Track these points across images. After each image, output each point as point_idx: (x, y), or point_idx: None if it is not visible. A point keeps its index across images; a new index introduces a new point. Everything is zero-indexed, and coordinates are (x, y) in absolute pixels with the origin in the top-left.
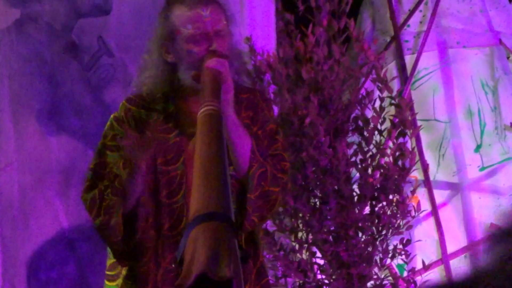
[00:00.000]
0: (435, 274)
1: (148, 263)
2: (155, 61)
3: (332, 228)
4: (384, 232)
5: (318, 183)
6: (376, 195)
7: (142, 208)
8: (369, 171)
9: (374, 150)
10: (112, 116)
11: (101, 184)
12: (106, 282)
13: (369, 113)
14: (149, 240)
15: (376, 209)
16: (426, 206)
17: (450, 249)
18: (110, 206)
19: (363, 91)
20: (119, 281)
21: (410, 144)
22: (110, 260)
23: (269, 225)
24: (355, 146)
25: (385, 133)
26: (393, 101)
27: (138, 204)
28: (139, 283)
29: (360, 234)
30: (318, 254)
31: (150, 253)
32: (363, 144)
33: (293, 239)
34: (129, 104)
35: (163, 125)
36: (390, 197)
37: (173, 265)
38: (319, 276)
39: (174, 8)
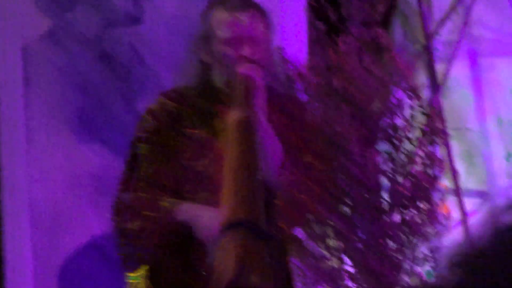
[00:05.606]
0: None
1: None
2: (193, 60)
3: (362, 236)
4: (413, 240)
5: (348, 191)
6: (406, 203)
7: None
8: (399, 179)
9: (404, 159)
10: (147, 108)
11: (139, 187)
12: (129, 274)
13: (400, 122)
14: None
15: (406, 217)
16: (456, 215)
17: None
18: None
19: (393, 100)
20: (141, 271)
21: (440, 152)
22: None
23: (300, 232)
24: (385, 155)
25: (415, 142)
26: (423, 110)
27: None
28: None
29: (390, 243)
30: (348, 262)
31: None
32: (393, 152)
33: (323, 247)
34: (164, 97)
35: (194, 121)
36: (420, 205)
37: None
38: (348, 284)
39: (214, 10)
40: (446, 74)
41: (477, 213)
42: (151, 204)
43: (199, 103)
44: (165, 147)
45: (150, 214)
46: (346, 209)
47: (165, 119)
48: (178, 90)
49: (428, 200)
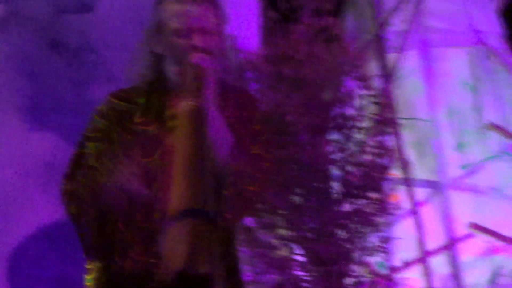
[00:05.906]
0: (415, 272)
1: (116, 255)
2: (144, 51)
3: (312, 226)
4: (363, 229)
5: (298, 180)
6: (356, 192)
7: (114, 200)
8: (350, 169)
9: (355, 148)
10: (95, 108)
11: (80, 178)
12: (86, 276)
13: (350, 111)
14: (118, 233)
15: (356, 206)
16: (406, 204)
17: (430, 246)
18: (83, 202)
19: (344, 89)
20: (94, 274)
21: (391, 142)
22: None
23: (249, 221)
24: (336, 144)
25: (366, 131)
26: (374, 99)
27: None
28: (109, 275)
29: (339, 232)
30: (298, 251)
31: (118, 245)
32: (344, 142)
33: (273, 236)
34: (112, 97)
35: (143, 117)
36: (370, 194)
37: (142, 257)
38: (298, 273)
39: (166, 1)
40: (397, 64)
41: (427, 202)
42: (91, 188)
43: (149, 97)
44: (113, 145)
45: (88, 195)
46: (297, 199)
47: (113, 118)
48: (127, 90)
49: (379, 189)
